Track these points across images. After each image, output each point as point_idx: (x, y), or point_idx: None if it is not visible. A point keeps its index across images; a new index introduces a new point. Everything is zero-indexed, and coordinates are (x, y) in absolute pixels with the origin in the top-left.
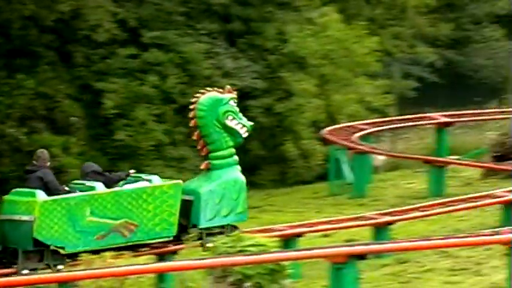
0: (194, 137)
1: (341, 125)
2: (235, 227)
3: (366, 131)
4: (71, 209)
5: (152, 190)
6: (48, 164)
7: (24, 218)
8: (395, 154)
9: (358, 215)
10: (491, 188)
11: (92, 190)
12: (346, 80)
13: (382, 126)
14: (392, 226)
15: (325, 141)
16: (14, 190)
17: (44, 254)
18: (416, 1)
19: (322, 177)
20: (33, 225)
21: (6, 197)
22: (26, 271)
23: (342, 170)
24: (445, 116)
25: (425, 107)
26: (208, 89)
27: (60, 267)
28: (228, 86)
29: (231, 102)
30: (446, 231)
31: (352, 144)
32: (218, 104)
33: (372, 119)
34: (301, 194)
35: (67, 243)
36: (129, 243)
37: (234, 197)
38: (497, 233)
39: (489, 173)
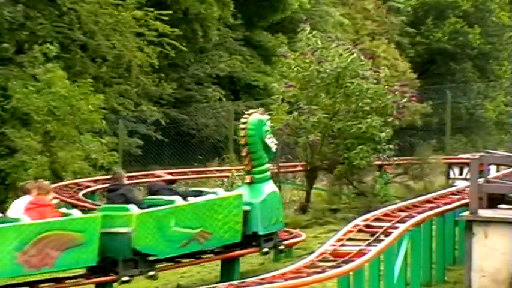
0: (243, 153)
1: (66, 182)
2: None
3: (91, 188)
4: (160, 221)
5: (221, 201)
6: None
7: (123, 230)
8: None
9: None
10: None
11: (172, 203)
12: (72, 137)
13: (108, 183)
14: (115, 284)
15: None
16: (102, 206)
17: (138, 261)
18: (141, 61)
19: None
20: (131, 236)
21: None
22: (125, 278)
23: None
24: (169, 173)
25: (150, 164)
26: (252, 110)
27: (151, 273)
28: (261, 108)
29: (268, 122)
30: None
31: (77, 202)
32: (262, 124)
33: (98, 176)
34: None
35: (159, 251)
36: (205, 249)
37: (277, 207)
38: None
39: None
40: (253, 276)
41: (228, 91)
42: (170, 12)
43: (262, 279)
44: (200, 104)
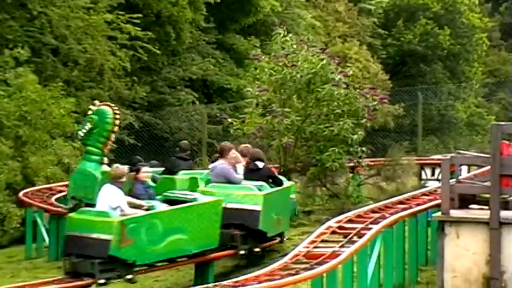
0: (113, 140)
1: (38, 187)
2: None
3: (64, 193)
4: None
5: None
6: None
7: None
8: None
9: (57, 278)
10: None
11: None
12: (44, 142)
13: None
14: None
15: (21, 204)
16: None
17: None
18: (113, 64)
19: (19, 240)
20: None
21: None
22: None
23: (39, 233)
24: None
25: None
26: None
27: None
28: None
29: None
30: None
31: (49, 207)
32: None
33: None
34: None
35: None
36: None
37: None
38: None
39: None
40: (227, 279)
41: (201, 94)
42: (140, 15)
43: (236, 282)
44: (173, 107)
